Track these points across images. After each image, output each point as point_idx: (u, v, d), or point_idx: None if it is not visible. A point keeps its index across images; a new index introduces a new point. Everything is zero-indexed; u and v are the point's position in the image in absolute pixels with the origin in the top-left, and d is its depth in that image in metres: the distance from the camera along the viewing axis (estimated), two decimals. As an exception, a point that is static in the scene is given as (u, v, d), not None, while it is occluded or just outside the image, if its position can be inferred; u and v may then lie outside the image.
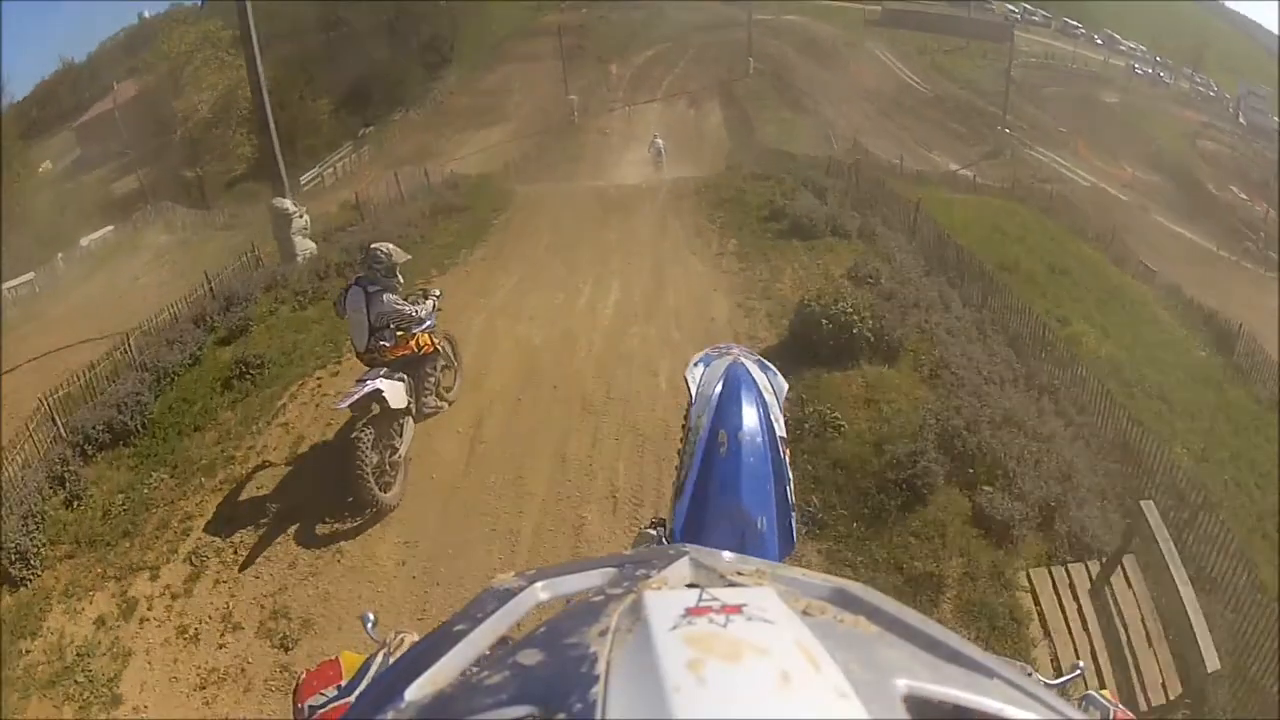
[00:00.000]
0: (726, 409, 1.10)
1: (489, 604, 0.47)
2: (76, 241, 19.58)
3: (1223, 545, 6.17)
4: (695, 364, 1.20)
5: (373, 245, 6.12)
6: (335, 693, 1.18)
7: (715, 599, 0.39)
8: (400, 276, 6.19)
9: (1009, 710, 0.37)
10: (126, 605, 5.61)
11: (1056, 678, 1.25)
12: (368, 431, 5.63)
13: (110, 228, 20.44)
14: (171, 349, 8.74)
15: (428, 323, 6.27)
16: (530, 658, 0.38)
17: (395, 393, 5.82)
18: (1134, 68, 30.84)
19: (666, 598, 0.41)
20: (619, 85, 33.73)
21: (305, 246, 12.65)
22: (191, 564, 5.82)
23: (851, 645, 0.38)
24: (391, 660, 1.12)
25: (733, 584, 0.45)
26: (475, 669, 0.41)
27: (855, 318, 7.09)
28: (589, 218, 13.93)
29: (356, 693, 1.13)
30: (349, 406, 5.62)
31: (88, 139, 26.59)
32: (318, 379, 7.67)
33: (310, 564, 5.54)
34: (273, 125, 12.53)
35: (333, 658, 1.25)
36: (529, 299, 9.74)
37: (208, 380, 8.07)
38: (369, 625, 1.33)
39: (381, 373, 5.87)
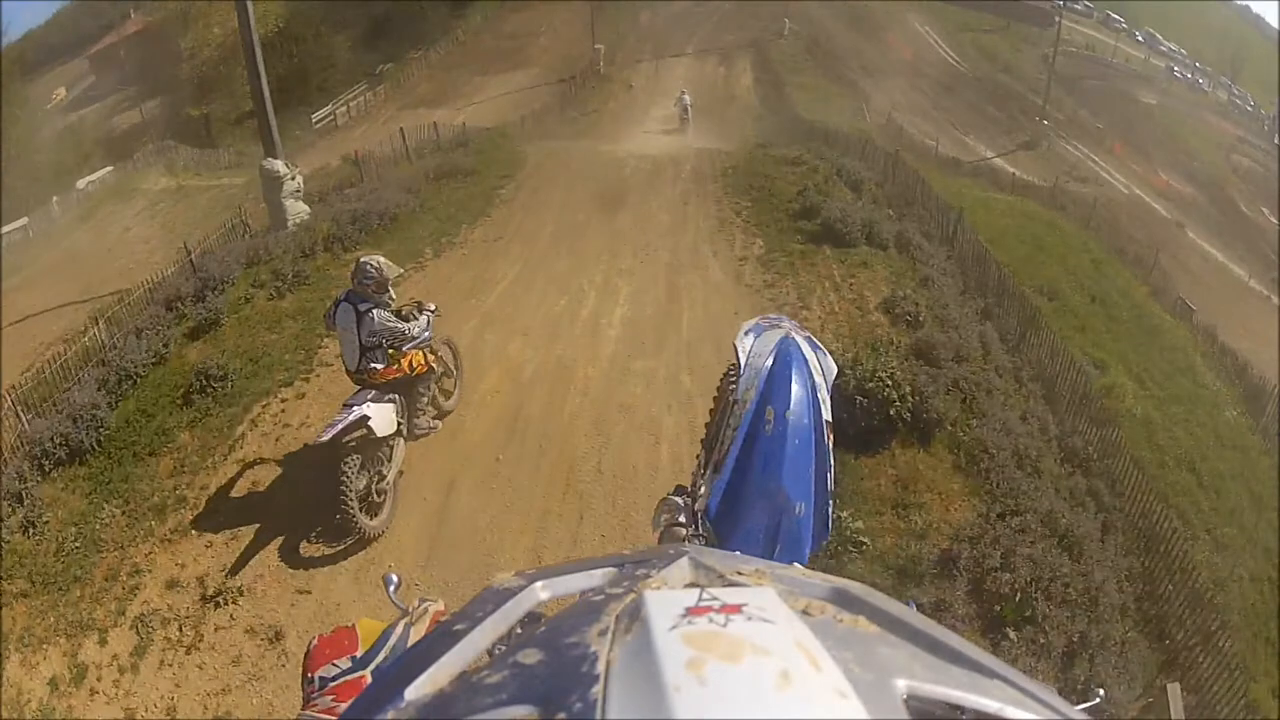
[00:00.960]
0: (776, 385, 1.01)
1: (489, 603, 0.44)
2: (73, 185, 17.98)
3: (1227, 660, 5.50)
4: (746, 332, 1.13)
5: (362, 260, 5.33)
6: (349, 664, 1.06)
7: (715, 599, 0.38)
8: (393, 292, 5.41)
9: (1009, 710, 0.35)
10: (77, 670, 4.96)
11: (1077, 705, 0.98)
12: (353, 457, 5.00)
13: (109, 168, 18.74)
14: (140, 340, 7.62)
15: (421, 338, 5.52)
16: (530, 657, 0.36)
17: (383, 418, 5.16)
18: (1173, 70, 28.32)
19: (666, 597, 0.39)
20: (648, 36, 30.91)
21: (297, 210, 11.25)
22: (138, 633, 5.01)
23: (851, 645, 0.36)
24: (413, 632, 1.04)
25: (732, 584, 0.43)
26: (475, 668, 0.38)
27: (894, 394, 5.91)
28: (601, 197, 12.41)
29: (372, 666, 1.02)
30: (332, 439, 4.90)
31: (100, 69, 24.64)
32: (282, 401, 6.60)
33: (254, 663, 4.62)
34: (265, 88, 10.89)
35: (349, 624, 1.11)
36: (526, 301, 8.52)
37: (169, 388, 7.00)
38: (392, 589, 1.19)
39: (369, 395, 5.19)
